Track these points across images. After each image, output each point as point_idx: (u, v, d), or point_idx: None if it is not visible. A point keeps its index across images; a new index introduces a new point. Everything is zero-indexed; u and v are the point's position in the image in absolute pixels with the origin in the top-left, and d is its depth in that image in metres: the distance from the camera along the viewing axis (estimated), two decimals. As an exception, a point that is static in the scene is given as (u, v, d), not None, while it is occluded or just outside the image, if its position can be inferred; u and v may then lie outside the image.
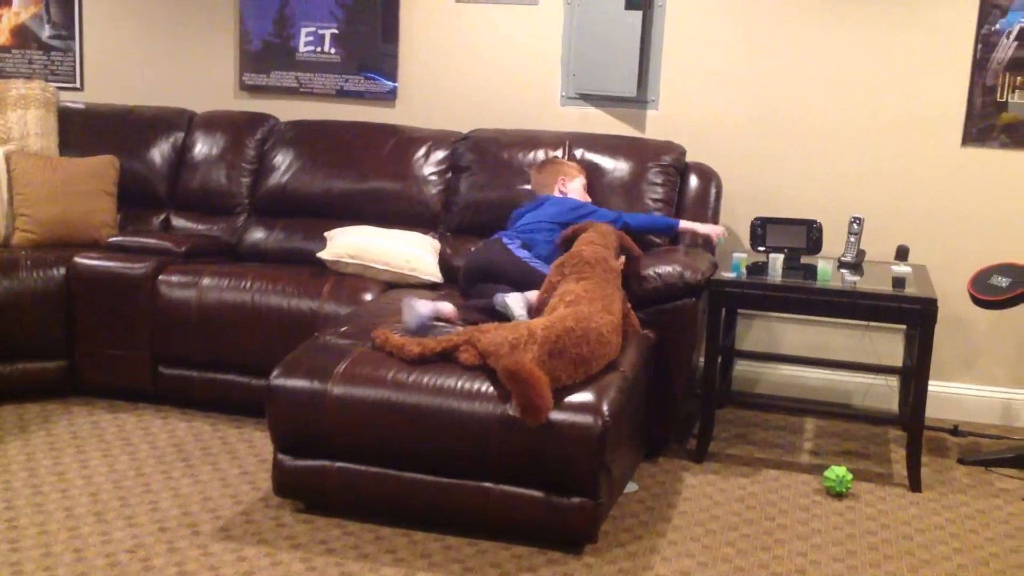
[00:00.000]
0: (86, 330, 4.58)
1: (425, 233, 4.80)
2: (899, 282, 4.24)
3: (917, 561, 3.43)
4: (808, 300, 4.11)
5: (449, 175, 4.95)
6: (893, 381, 4.84)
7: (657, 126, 5.04)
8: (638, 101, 5.05)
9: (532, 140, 4.87)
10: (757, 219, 4.50)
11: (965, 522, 3.75)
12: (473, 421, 3.31)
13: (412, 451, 3.40)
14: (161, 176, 5.28)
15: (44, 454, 4.03)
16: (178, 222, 5.23)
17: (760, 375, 5.06)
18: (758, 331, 5.04)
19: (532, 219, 4.35)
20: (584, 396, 3.30)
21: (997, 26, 4.61)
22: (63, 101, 5.49)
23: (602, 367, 3.48)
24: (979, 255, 4.55)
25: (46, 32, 5.78)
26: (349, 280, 4.48)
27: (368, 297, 4.35)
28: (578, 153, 4.76)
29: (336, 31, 5.41)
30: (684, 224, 4.47)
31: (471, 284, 4.15)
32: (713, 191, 4.76)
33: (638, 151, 4.75)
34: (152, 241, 4.80)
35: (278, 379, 3.51)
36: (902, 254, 4.55)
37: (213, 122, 5.33)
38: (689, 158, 4.82)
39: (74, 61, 5.79)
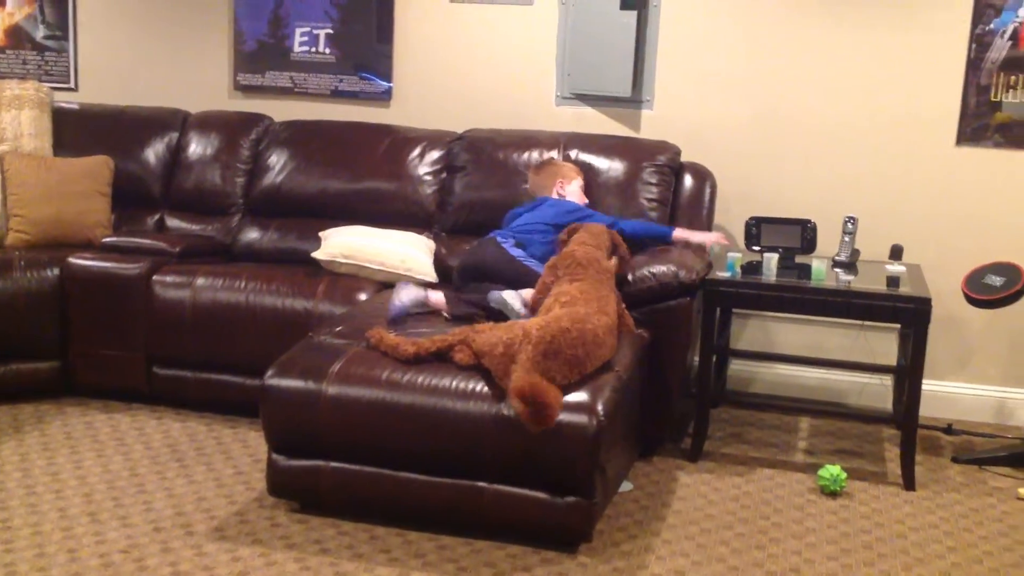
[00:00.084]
0: (80, 330, 4.57)
1: (420, 233, 4.80)
2: (893, 281, 4.24)
3: (911, 559, 3.43)
4: (802, 299, 4.11)
5: (444, 175, 4.95)
6: (887, 380, 4.84)
7: (652, 126, 5.05)
8: (633, 101, 5.05)
9: (527, 140, 4.87)
10: (752, 219, 4.50)
11: (959, 520, 3.76)
12: (468, 421, 3.31)
13: (407, 451, 3.40)
14: (155, 176, 5.28)
15: (38, 454, 4.03)
16: (172, 222, 5.23)
17: (755, 374, 5.06)
18: (753, 330, 5.04)
19: (529, 220, 4.35)
20: (579, 396, 3.30)
21: (991, 26, 4.62)
22: (57, 101, 5.48)
23: (597, 367, 3.48)
24: (973, 254, 4.56)
25: (40, 32, 5.78)
26: (344, 280, 4.48)
27: (363, 297, 4.35)
28: (573, 153, 4.76)
29: (331, 31, 5.41)
30: (679, 232, 4.45)
31: (465, 283, 4.16)
32: (708, 191, 4.76)
33: (633, 151, 4.75)
34: (146, 241, 4.80)
35: (272, 379, 3.51)
36: (896, 253, 4.55)
37: (207, 122, 5.32)
38: (684, 158, 4.82)
39: (68, 61, 5.78)
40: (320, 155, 5.06)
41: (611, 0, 4.90)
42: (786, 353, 4.95)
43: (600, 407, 3.27)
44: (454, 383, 3.38)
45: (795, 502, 3.85)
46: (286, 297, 4.38)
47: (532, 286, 3.90)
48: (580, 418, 3.24)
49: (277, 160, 5.11)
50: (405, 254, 4.55)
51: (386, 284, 4.47)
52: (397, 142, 5.03)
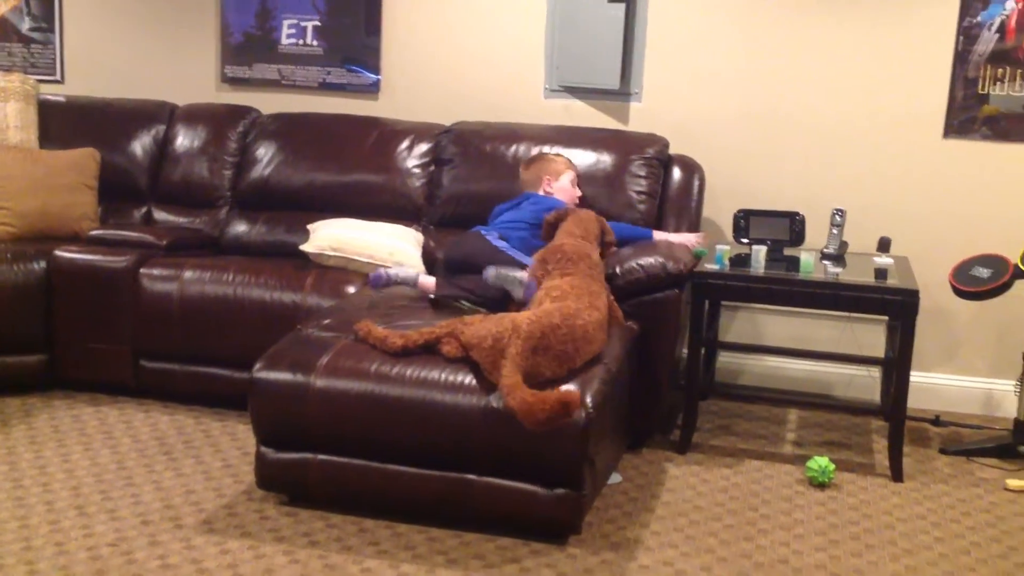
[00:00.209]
0: (67, 324, 4.56)
1: (408, 226, 4.80)
2: (881, 273, 4.25)
3: (899, 550, 3.44)
4: (791, 292, 4.12)
5: (432, 168, 4.95)
6: (875, 372, 4.86)
7: (640, 119, 5.05)
8: (621, 93, 5.05)
9: (515, 133, 4.86)
10: (740, 211, 4.50)
11: (947, 511, 3.77)
12: (456, 413, 3.31)
13: (395, 443, 3.40)
14: (142, 169, 5.26)
15: (25, 448, 4.01)
16: (160, 215, 5.21)
17: (743, 366, 5.07)
18: (741, 323, 5.05)
19: (509, 219, 4.35)
20: (568, 388, 3.29)
21: (979, 18, 4.63)
22: (43, 94, 5.46)
23: (586, 362, 3.48)
24: (961, 246, 4.57)
25: (26, 24, 5.75)
26: (332, 273, 4.47)
27: (351, 290, 4.34)
28: (561, 146, 4.75)
29: (318, 23, 5.39)
30: (659, 235, 4.45)
31: (449, 276, 4.14)
32: (696, 183, 4.76)
33: (621, 144, 4.75)
34: (133, 234, 4.78)
35: (261, 372, 3.50)
36: (884, 246, 4.56)
37: (195, 115, 5.31)
38: (672, 151, 4.82)
39: (54, 54, 5.76)
40: (308, 148, 5.05)
41: (599, -8, 4.90)
42: (774, 345, 4.95)
43: (589, 399, 3.27)
44: (442, 376, 3.38)
45: (783, 494, 3.86)
46: (274, 290, 4.37)
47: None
48: (569, 410, 3.23)
49: (265, 153, 5.10)
50: (393, 247, 4.55)
51: (374, 277, 4.47)
52: (385, 135, 5.02)
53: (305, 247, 4.56)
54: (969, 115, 4.71)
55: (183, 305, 4.43)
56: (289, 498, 3.61)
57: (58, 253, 4.58)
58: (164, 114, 5.34)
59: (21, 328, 4.53)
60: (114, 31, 5.67)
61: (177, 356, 4.50)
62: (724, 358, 5.03)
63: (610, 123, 5.08)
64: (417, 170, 4.94)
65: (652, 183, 4.67)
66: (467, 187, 4.82)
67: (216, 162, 5.17)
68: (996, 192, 4.72)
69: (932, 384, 4.86)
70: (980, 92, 4.68)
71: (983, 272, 4.16)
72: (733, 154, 4.96)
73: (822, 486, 3.93)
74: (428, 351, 3.48)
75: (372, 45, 5.34)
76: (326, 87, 5.45)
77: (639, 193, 4.63)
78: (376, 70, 5.37)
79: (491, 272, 3.84)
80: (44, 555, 3.18)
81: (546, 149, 4.73)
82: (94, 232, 4.81)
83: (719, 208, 4.94)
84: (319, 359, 3.48)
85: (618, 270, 4.06)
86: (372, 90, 5.39)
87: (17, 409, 4.42)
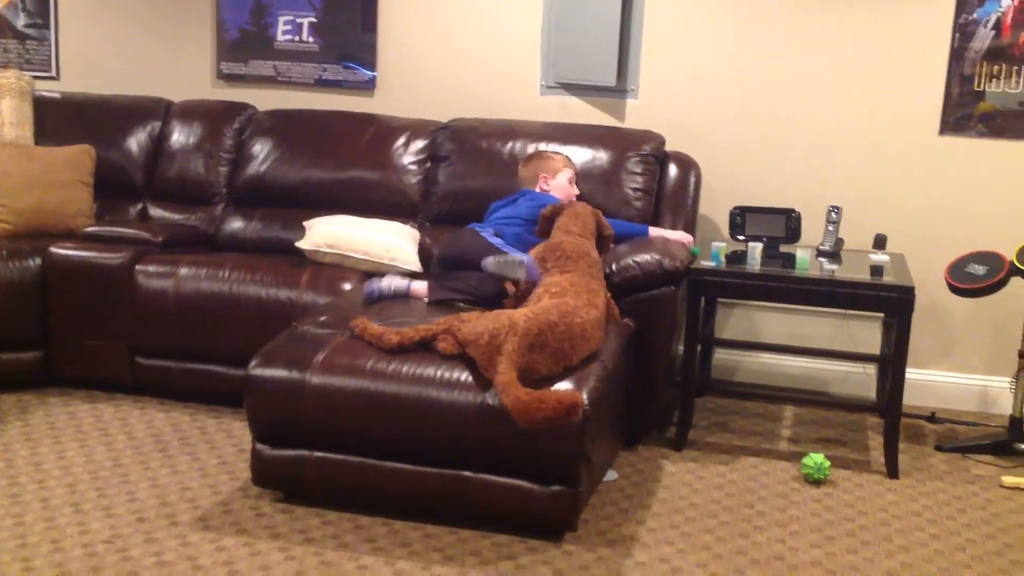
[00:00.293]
0: (62, 321, 4.55)
1: (404, 223, 4.79)
2: (877, 270, 4.26)
3: (894, 547, 3.45)
4: (787, 288, 4.12)
5: (428, 164, 4.94)
6: (871, 369, 4.86)
7: (636, 115, 5.05)
8: (618, 90, 5.05)
9: (512, 130, 4.86)
10: (736, 208, 4.50)
11: (942, 508, 3.78)
12: (452, 410, 3.31)
13: (391, 440, 3.39)
14: (138, 166, 5.25)
15: (21, 445, 4.01)
16: (155, 212, 5.20)
17: (739, 363, 5.07)
18: (737, 319, 5.05)
19: (504, 215, 4.34)
20: (564, 385, 3.31)
21: (975, 15, 4.63)
22: (38, 90, 5.45)
23: (582, 359, 3.48)
24: (956, 243, 4.58)
25: (21, 21, 5.74)
26: (328, 270, 4.46)
27: (347, 287, 4.34)
28: (558, 143, 4.75)
29: (314, 20, 5.39)
30: (655, 231, 4.46)
31: (445, 272, 4.13)
32: (692, 180, 4.76)
33: (618, 140, 4.75)
34: (129, 231, 4.77)
35: (256, 369, 3.50)
36: (880, 243, 4.57)
37: (190, 111, 5.30)
38: (668, 147, 4.82)
39: (49, 50, 5.75)
40: (304, 144, 5.05)
41: (596, -11, 4.90)
42: (770, 342, 4.96)
43: (585, 396, 3.27)
44: (438, 372, 3.37)
45: (779, 490, 3.86)
46: (270, 287, 4.37)
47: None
48: (565, 407, 3.23)
49: (261, 149, 5.09)
50: (389, 244, 4.54)
51: (370, 274, 4.45)
52: (381, 131, 5.02)
53: (301, 244, 4.56)
54: (965, 112, 4.71)
55: (179, 302, 4.43)
56: (285, 495, 3.61)
57: (54, 250, 4.57)
58: (160, 110, 5.33)
59: (17, 325, 4.52)
60: (109, 27, 5.66)
61: (173, 353, 4.49)
62: (720, 355, 5.03)
63: (606, 120, 5.08)
64: (413, 167, 4.94)
65: (648, 180, 4.67)
66: (463, 184, 4.82)
67: (212, 159, 5.17)
68: (992, 189, 4.72)
69: (928, 381, 4.87)
70: (976, 89, 4.69)
71: (979, 269, 4.17)
72: (729, 151, 4.96)
73: (818, 483, 3.94)
74: (424, 348, 3.48)
75: (368, 42, 5.34)
76: (322, 84, 5.44)
77: (635, 190, 4.63)
78: (372, 67, 5.36)
79: (490, 261, 3.82)
80: (40, 552, 3.18)
81: (543, 146, 4.73)
82: (90, 229, 4.80)
83: (715, 205, 4.94)
84: (315, 356, 3.48)
85: (614, 267, 4.06)
86: (368, 87, 5.38)
87: (13, 406, 4.41)
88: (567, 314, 3.44)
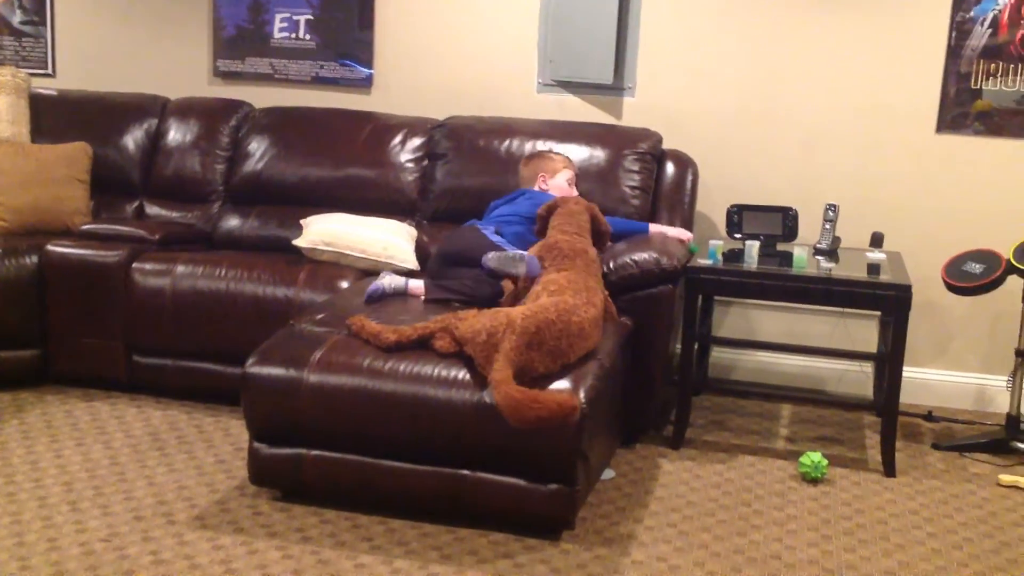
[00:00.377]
0: (59, 319, 4.54)
1: (401, 220, 4.79)
2: (874, 269, 4.26)
3: (892, 546, 3.45)
4: (784, 287, 4.12)
5: (425, 162, 4.94)
6: (868, 367, 4.87)
7: (634, 113, 5.04)
8: (615, 88, 5.05)
9: (509, 127, 4.86)
10: (733, 206, 4.50)
11: (939, 507, 3.78)
12: (450, 408, 3.31)
13: (389, 439, 3.39)
14: (134, 163, 5.24)
15: (17, 443, 4.00)
16: (152, 210, 5.19)
17: (736, 362, 5.08)
18: (734, 318, 5.05)
19: (505, 212, 4.34)
20: (561, 383, 3.30)
21: (971, 13, 4.63)
22: (35, 88, 5.43)
23: (580, 357, 3.47)
24: (953, 242, 4.58)
25: (17, 18, 5.73)
26: (325, 268, 4.46)
27: (344, 285, 4.33)
28: (555, 140, 4.75)
29: (311, 17, 5.38)
30: (654, 228, 4.46)
31: (443, 269, 4.12)
32: (689, 178, 4.76)
33: (615, 138, 4.75)
34: (126, 229, 4.76)
35: (254, 367, 3.50)
36: (877, 241, 4.57)
37: (187, 109, 5.29)
38: (666, 145, 4.82)
39: (46, 47, 5.74)
40: (301, 142, 5.04)
41: (593, -13, 4.90)
42: (768, 340, 4.96)
43: (582, 395, 3.27)
44: (436, 371, 3.37)
45: (776, 489, 3.87)
46: (267, 285, 4.36)
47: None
48: (563, 406, 3.23)
49: (257, 147, 5.09)
50: (387, 241, 4.54)
51: (368, 272, 4.46)
52: (378, 129, 5.01)
53: (298, 242, 4.55)
54: (962, 110, 4.71)
55: (176, 300, 4.42)
56: (282, 493, 3.61)
57: (50, 248, 4.56)
58: (156, 108, 5.32)
59: (13, 323, 4.52)
60: (106, 24, 5.65)
61: (170, 351, 4.49)
62: (717, 353, 5.03)
63: (603, 118, 5.07)
64: (410, 164, 4.93)
65: (645, 178, 4.67)
66: (460, 182, 4.81)
67: (208, 156, 5.16)
68: (989, 187, 4.73)
69: (924, 379, 4.87)
70: (973, 87, 4.69)
71: (975, 267, 4.17)
72: (726, 149, 4.96)
73: (815, 481, 3.94)
74: (421, 346, 3.48)
75: (365, 39, 5.33)
76: (319, 81, 5.43)
77: (632, 188, 4.63)
78: (369, 64, 5.35)
79: (491, 257, 3.81)
80: (36, 551, 3.17)
81: (540, 145, 4.72)
82: (86, 226, 4.80)
83: (712, 203, 4.94)
84: (312, 354, 3.47)
85: (612, 265, 4.06)
86: (365, 84, 5.38)
87: (9, 404, 4.41)
88: (565, 312, 3.43)
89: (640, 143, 4.72)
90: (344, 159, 4.96)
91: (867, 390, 4.87)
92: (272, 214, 4.98)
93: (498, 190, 4.59)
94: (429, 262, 4.32)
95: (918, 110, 4.75)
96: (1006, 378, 4.45)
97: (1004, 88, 4.65)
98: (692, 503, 3.71)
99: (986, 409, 4.83)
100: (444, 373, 3.36)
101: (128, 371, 4.55)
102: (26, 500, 3.52)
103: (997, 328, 4.78)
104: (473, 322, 3.41)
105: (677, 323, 4.30)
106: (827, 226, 4.52)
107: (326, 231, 4.55)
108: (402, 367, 3.39)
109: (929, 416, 4.65)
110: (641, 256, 4.06)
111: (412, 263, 4.53)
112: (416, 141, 4.96)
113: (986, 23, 4.63)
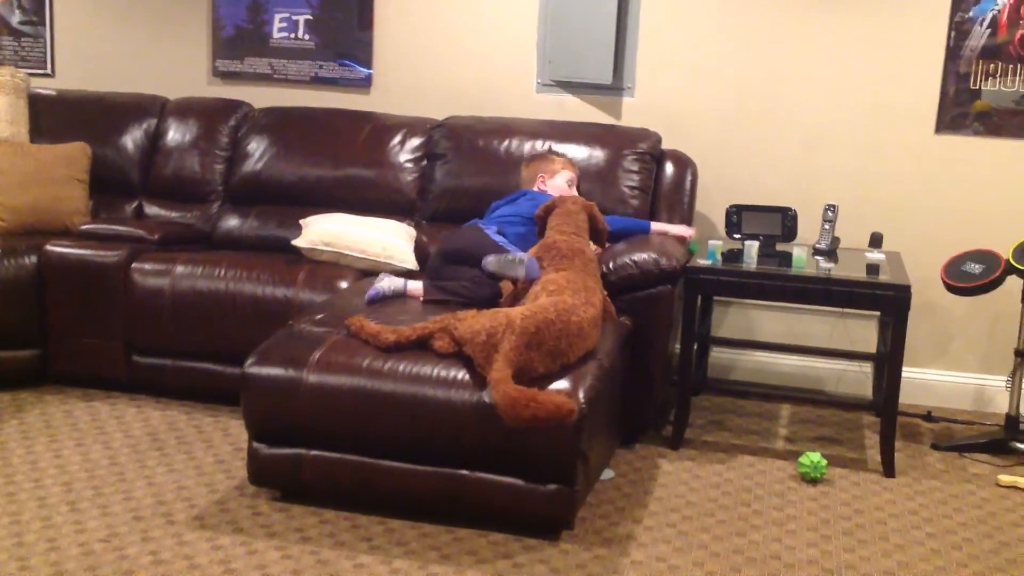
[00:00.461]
0: (58, 319, 4.54)
1: (401, 220, 4.79)
2: (873, 269, 4.26)
3: (891, 546, 3.45)
4: (783, 287, 4.12)
5: (425, 162, 4.94)
6: (867, 367, 4.87)
7: (633, 113, 5.04)
8: (614, 88, 5.04)
9: (508, 128, 4.86)
10: (732, 206, 4.50)
11: (938, 507, 3.78)
12: (449, 408, 3.31)
13: (388, 439, 3.39)
14: (134, 163, 5.24)
15: (17, 443, 4.00)
16: (151, 210, 5.19)
17: (735, 362, 5.08)
18: (733, 318, 5.05)
19: (506, 213, 4.34)
20: (561, 383, 3.30)
21: (971, 13, 4.63)
22: (34, 87, 5.43)
23: (579, 358, 3.47)
24: (952, 242, 4.58)
25: (16, 18, 5.72)
26: (324, 268, 4.46)
27: (343, 285, 4.33)
28: (554, 141, 4.75)
29: (310, 17, 5.38)
30: (656, 226, 4.46)
31: (444, 267, 4.12)
32: (689, 178, 4.76)
33: (614, 138, 4.75)
34: (125, 229, 4.76)
35: (253, 367, 3.49)
36: (876, 241, 4.57)
37: (186, 109, 5.29)
38: (665, 145, 4.82)
39: (44, 47, 5.74)
40: (300, 142, 5.04)
41: (592, -13, 4.90)
42: (767, 340, 4.96)
43: (582, 395, 3.27)
44: (435, 371, 3.37)
45: (776, 489, 3.87)
46: (266, 285, 4.36)
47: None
48: (562, 406, 3.23)
49: (257, 147, 5.09)
50: (386, 242, 4.54)
51: (367, 272, 4.45)
52: (377, 129, 5.01)
53: (298, 242, 4.55)
54: (961, 111, 4.71)
55: (175, 300, 4.42)
56: (282, 494, 3.61)
57: (49, 248, 4.56)
58: (155, 108, 5.32)
59: (12, 323, 4.51)
60: (105, 24, 5.65)
61: (169, 351, 4.49)
62: (716, 354, 5.03)
63: (603, 118, 5.07)
64: (410, 165, 4.93)
65: (644, 178, 4.67)
66: (460, 182, 4.81)
67: (208, 156, 5.16)
68: (988, 187, 4.73)
69: (924, 380, 4.87)
70: (972, 87, 4.69)
71: (975, 268, 4.17)
72: (726, 149, 4.96)
73: (814, 481, 3.94)
74: (420, 346, 3.48)
75: (364, 39, 5.33)
76: (318, 81, 5.43)
77: (631, 188, 4.63)
78: (368, 64, 5.35)
79: (490, 260, 3.82)
80: (36, 551, 3.17)
81: (540, 145, 4.72)
82: (85, 226, 4.79)
83: (711, 203, 4.94)
84: (311, 354, 3.47)
85: (611, 265, 4.06)
86: (364, 84, 5.38)
87: (8, 404, 4.40)
88: (564, 312, 3.43)
89: (639, 143, 4.72)
90: (343, 159, 4.96)
91: (866, 390, 4.87)
92: (271, 214, 4.98)
93: (497, 190, 4.59)
94: (430, 260, 4.32)
95: (917, 110, 4.75)
96: (1005, 378, 4.45)
97: (1003, 88, 4.65)
98: (691, 503, 3.71)
99: (985, 409, 4.83)
100: (443, 373, 3.36)
101: (127, 371, 4.55)
102: (25, 500, 3.51)
103: (996, 328, 4.78)
104: (472, 322, 3.41)
105: (676, 323, 4.30)
106: (826, 226, 4.52)
107: (325, 231, 4.54)
108: (401, 367, 3.39)
109: (928, 416, 4.65)
110: (640, 256, 4.06)
111: (411, 263, 4.53)
112: (415, 141, 4.96)
113: (985, 23, 4.63)
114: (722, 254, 4.30)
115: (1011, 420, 4.30)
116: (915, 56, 4.73)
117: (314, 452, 3.47)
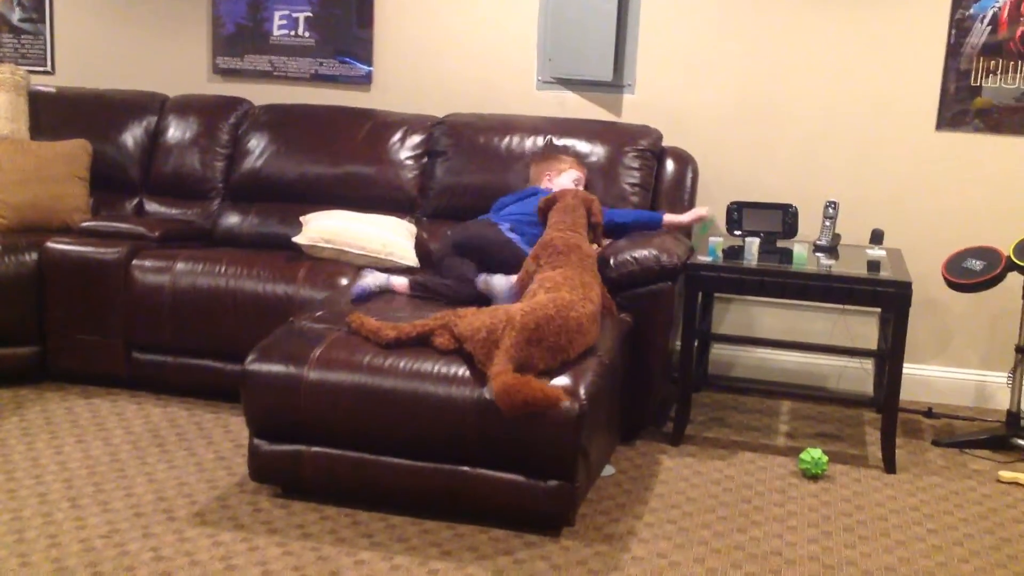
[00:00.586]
0: (59, 316, 4.54)
1: (401, 218, 4.79)
2: (874, 266, 4.26)
3: (892, 542, 3.45)
4: (784, 284, 4.11)
5: (425, 160, 4.94)
6: (868, 364, 4.87)
7: (633, 110, 5.04)
8: (614, 85, 5.04)
9: (508, 125, 4.86)
10: (733, 203, 4.50)
11: (939, 503, 3.78)
12: (449, 405, 3.30)
13: (389, 435, 3.39)
14: (134, 160, 5.24)
15: (17, 440, 4.00)
16: (151, 207, 5.19)
17: (736, 358, 5.07)
18: (734, 315, 5.05)
19: (515, 211, 4.34)
20: (561, 380, 3.30)
21: (971, 10, 4.63)
22: (34, 85, 5.43)
23: (579, 353, 3.47)
24: (953, 239, 4.58)
25: (16, 15, 5.72)
26: (325, 265, 4.46)
27: (344, 282, 4.33)
28: (555, 138, 4.75)
29: (310, 14, 5.38)
30: (668, 218, 4.47)
31: (453, 256, 4.12)
32: (689, 175, 4.76)
33: (615, 135, 4.75)
34: (125, 226, 4.76)
35: (253, 364, 3.49)
36: (877, 238, 4.57)
37: (186, 106, 5.29)
38: (665, 143, 4.82)
39: (45, 44, 5.73)
40: (300, 139, 5.04)
41: (593, -16, 4.90)
42: (767, 337, 4.95)
43: (583, 391, 3.27)
44: (436, 368, 3.37)
45: (776, 485, 3.87)
46: (267, 282, 4.36)
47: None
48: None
49: (257, 144, 5.08)
50: (386, 239, 4.53)
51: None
52: (378, 126, 5.01)
53: (298, 239, 4.55)
54: (962, 108, 4.71)
55: (175, 297, 4.42)
56: (282, 490, 3.61)
57: (50, 245, 4.56)
58: (156, 105, 5.31)
59: (13, 320, 4.51)
60: (105, 22, 5.65)
61: (170, 348, 4.49)
62: (717, 350, 5.03)
63: (603, 115, 5.07)
64: (410, 162, 4.93)
65: (645, 175, 4.67)
66: (460, 179, 4.81)
67: (208, 154, 5.16)
68: (988, 184, 4.73)
69: (925, 376, 4.87)
70: (973, 84, 4.69)
71: (976, 264, 4.17)
72: (726, 146, 4.95)
73: (815, 478, 3.94)
74: (421, 343, 3.48)
75: (364, 36, 5.33)
76: (318, 78, 5.43)
77: (632, 185, 4.63)
78: (368, 61, 5.35)
79: (481, 279, 3.92)
80: (37, 547, 3.17)
81: (541, 142, 4.72)
82: (86, 224, 4.79)
83: (712, 200, 4.93)
84: (312, 351, 3.47)
85: (612, 262, 4.06)
86: (364, 81, 5.38)
87: (9, 401, 4.40)
88: (563, 308, 3.43)
89: (640, 140, 4.72)
90: (344, 156, 4.95)
91: (867, 387, 4.87)
92: (272, 211, 4.98)
93: (498, 187, 4.59)
94: (439, 247, 4.31)
95: (918, 107, 4.75)
96: (1006, 374, 4.45)
97: (1004, 85, 4.65)
98: (692, 499, 3.71)
99: (986, 405, 4.83)
100: (444, 370, 3.36)
101: (128, 368, 4.55)
102: (26, 497, 3.51)
103: (997, 325, 4.78)
104: (473, 319, 3.41)
105: (677, 320, 4.30)
106: (827, 223, 4.52)
107: (326, 228, 4.54)
108: (402, 364, 3.39)
109: (929, 413, 4.65)
110: (641, 253, 4.06)
111: (412, 260, 4.53)
112: (416, 138, 4.96)
113: (986, 20, 4.63)
114: (723, 251, 4.30)
115: (1012, 416, 4.30)
116: (916, 53, 4.72)
117: (315, 448, 3.47)
